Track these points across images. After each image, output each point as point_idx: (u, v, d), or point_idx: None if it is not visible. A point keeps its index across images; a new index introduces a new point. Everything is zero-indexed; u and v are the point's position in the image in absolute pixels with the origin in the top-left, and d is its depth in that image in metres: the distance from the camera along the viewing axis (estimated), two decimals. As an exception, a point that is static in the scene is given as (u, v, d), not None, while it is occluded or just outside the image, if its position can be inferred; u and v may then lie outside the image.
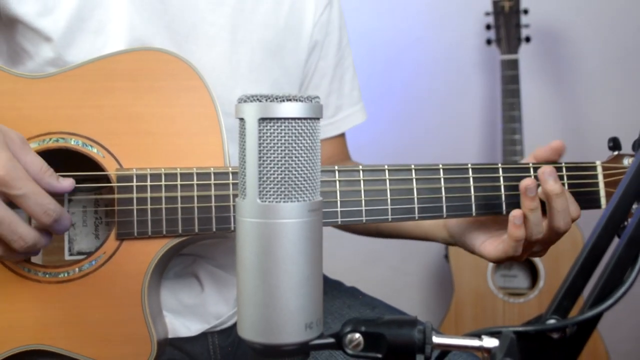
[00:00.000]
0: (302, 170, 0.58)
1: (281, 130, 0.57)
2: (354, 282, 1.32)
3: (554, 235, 0.99)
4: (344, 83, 1.35)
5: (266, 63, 1.17)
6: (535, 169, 1.03)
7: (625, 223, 0.59)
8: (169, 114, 0.99)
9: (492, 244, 1.04)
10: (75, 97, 0.98)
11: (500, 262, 1.03)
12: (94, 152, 0.97)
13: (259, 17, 1.17)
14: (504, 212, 1.03)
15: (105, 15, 1.03)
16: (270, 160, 0.57)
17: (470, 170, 1.03)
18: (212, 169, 0.97)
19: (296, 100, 0.57)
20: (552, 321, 0.57)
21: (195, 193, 0.97)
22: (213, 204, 0.97)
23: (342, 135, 1.38)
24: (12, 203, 0.83)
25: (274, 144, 0.57)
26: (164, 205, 0.96)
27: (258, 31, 1.16)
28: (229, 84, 1.11)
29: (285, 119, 0.57)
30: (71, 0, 1.02)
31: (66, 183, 0.89)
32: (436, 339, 0.59)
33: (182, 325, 1.13)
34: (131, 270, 0.97)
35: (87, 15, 1.03)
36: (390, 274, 2.79)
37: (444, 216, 1.02)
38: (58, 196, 0.89)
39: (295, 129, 0.57)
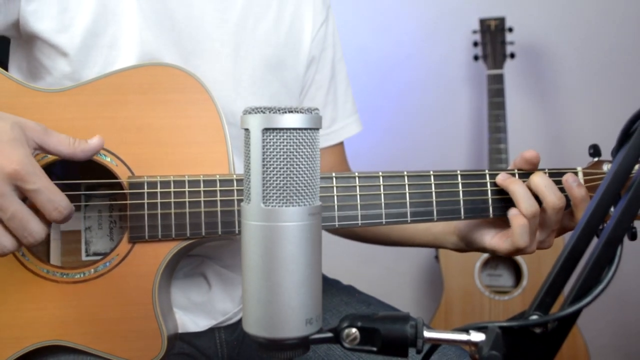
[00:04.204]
0: (302, 177, 0.58)
1: (283, 139, 0.57)
2: (350, 281, 1.32)
3: (552, 216, 1.00)
4: (338, 95, 1.34)
5: (266, 77, 1.17)
6: (520, 175, 1.03)
7: (604, 224, 0.59)
8: (178, 125, 0.99)
9: (501, 238, 1.03)
10: (90, 109, 0.98)
11: (512, 255, 1.04)
12: (107, 160, 0.97)
13: (261, 34, 1.17)
14: (491, 215, 1.03)
15: (118, 31, 1.04)
16: (274, 168, 0.57)
17: (459, 177, 1.03)
18: (217, 176, 0.98)
19: (297, 111, 0.57)
20: (534, 317, 0.57)
21: (202, 199, 0.97)
22: (219, 208, 0.97)
23: (340, 145, 1.38)
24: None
25: (276, 152, 0.57)
26: (173, 210, 0.96)
27: (259, 47, 1.16)
28: (231, 97, 1.11)
29: (287, 129, 0.57)
30: (86, 17, 1.02)
31: (95, 140, 0.88)
32: (427, 334, 0.59)
33: (191, 321, 1.13)
34: (143, 270, 0.97)
35: (101, 31, 1.03)
36: (385, 274, 2.79)
37: (435, 220, 1.02)
38: (75, 201, 0.89)
39: (297, 139, 0.57)
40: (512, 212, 0.99)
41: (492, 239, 1.05)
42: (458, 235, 1.12)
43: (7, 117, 0.82)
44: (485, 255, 2.34)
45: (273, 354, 0.59)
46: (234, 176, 0.98)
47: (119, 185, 0.97)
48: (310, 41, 1.25)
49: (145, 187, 0.96)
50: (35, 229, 0.80)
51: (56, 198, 0.81)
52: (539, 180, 0.99)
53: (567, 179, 1.00)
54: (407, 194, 1.01)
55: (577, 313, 0.56)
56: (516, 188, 0.99)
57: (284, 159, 0.57)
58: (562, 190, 1.00)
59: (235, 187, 0.98)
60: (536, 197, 0.99)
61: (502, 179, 1.02)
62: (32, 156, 0.81)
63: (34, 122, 0.84)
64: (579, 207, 1.00)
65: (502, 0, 2.59)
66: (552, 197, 0.98)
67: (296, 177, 0.58)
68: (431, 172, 1.02)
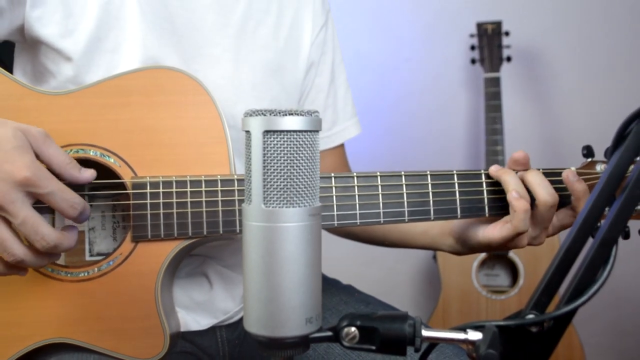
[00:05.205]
0: (302, 178, 0.58)
1: (284, 141, 0.57)
2: (350, 280, 1.32)
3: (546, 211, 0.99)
4: (337, 99, 1.34)
5: (266, 81, 1.17)
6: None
7: (599, 225, 0.59)
8: (179, 126, 0.99)
9: (495, 227, 1.01)
10: (94, 111, 0.98)
11: (505, 245, 1.02)
12: (111, 162, 0.97)
13: (260, 38, 1.17)
14: (487, 214, 1.03)
15: (121, 36, 1.04)
16: (274, 169, 0.57)
17: (455, 177, 1.03)
18: (219, 176, 0.98)
19: (297, 114, 0.57)
20: (531, 316, 0.57)
21: (203, 199, 0.97)
22: (220, 208, 0.97)
23: (341, 147, 1.38)
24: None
25: (277, 154, 0.57)
26: (175, 210, 0.96)
27: (259, 52, 1.16)
28: (232, 100, 1.11)
29: (287, 131, 0.57)
30: (90, 23, 1.02)
31: (87, 174, 0.88)
32: (425, 333, 0.59)
33: (193, 320, 1.13)
34: (146, 269, 0.97)
35: (104, 35, 1.03)
36: (384, 273, 2.79)
37: (432, 219, 1.02)
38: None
39: (297, 141, 0.57)
40: (512, 195, 0.98)
41: (485, 230, 1.03)
42: (454, 236, 1.12)
43: (8, 124, 0.82)
44: (483, 255, 2.34)
45: (273, 353, 0.59)
46: (235, 176, 0.98)
47: (122, 186, 0.97)
48: (309, 45, 1.25)
49: (148, 187, 0.96)
50: (46, 231, 0.80)
51: (69, 196, 0.82)
52: (532, 178, 0.99)
53: (567, 175, 1.01)
54: (405, 194, 1.01)
55: (572, 312, 0.56)
56: (509, 178, 1.00)
57: (284, 160, 0.57)
58: (557, 189, 1.00)
59: (236, 187, 0.98)
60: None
61: (494, 169, 1.04)
62: (38, 162, 0.81)
63: (36, 128, 0.84)
64: (581, 200, 1.00)
65: (499, 4, 2.59)
66: (543, 193, 0.98)
67: (296, 179, 0.58)
68: (428, 172, 1.02)
